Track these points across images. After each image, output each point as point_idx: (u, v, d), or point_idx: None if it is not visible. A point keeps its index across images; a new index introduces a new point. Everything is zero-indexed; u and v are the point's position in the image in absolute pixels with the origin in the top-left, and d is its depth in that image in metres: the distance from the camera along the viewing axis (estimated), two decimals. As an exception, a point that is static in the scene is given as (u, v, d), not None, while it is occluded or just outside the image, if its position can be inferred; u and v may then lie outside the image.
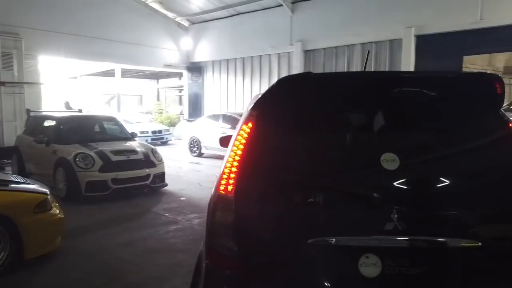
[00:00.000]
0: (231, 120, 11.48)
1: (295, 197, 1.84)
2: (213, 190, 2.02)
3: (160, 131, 15.59)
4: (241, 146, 1.92)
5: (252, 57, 13.77)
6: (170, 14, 15.16)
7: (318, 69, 11.98)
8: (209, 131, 11.94)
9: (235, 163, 1.89)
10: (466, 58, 10.19)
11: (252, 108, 2.03)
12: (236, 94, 14.55)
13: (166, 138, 15.69)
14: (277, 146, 1.92)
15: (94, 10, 12.82)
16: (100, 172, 6.41)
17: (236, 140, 1.96)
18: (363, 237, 1.73)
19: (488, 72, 2.04)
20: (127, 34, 13.83)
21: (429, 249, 1.73)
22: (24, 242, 3.67)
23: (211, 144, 11.78)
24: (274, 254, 1.80)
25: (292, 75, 2.01)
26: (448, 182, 1.79)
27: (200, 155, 12.19)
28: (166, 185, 7.40)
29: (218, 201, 1.91)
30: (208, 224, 2.00)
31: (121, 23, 13.67)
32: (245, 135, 1.94)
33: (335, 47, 11.51)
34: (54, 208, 4.06)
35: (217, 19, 14.52)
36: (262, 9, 13.04)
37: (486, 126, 1.95)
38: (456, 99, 1.92)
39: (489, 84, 1.90)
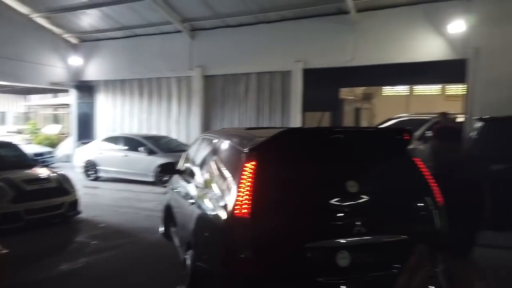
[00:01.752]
0: (133, 143, 11.46)
1: (293, 214, 2.55)
2: (224, 214, 2.61)
3: (41, 154, 14.35)
4: (249, 179, 2.56)
5: (150, 78, 13.89)
6: (57, 30, 14.31)
7: (218, 94, 12.82)
8: (108, 154, 11.69)
9: (247, 192, 2.53)
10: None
11: (252, 150, 2.69)
12: (133, 116, 14.39)
13: (49, 161, 14.53)
14: (276, 178, 2.62)
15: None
16: (12, 203, 6.05)
17: (243, 174, 2.59)
18: (339, 239, 2.54)
19: (401, 128, 3.08)
20: (8, 49, 12.65)
21: (379, 244, 2.63)
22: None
23: (110, 167, 11.56)
24: (280, 256, 2.49)
25: (289, 129, 2.75)
26: (384, 199, 2.73)
27: (96, 178, 11.80)
28: (80, 212, 7.22)
29: (235, 221, 2.51)
30: (224, 240, 2.58)
31: (2, 37, 12.47)
32: (251, 171, 2.59)
33: (233, 74, 12.51)
34: (-3, 244, 3.94)
35: (111, 38, 14.25)
36: (161, 33, 13.37)
37: (400, 160, 2.97)
38: (383, 144, 2.92)
39: (401, 134, 2.93)
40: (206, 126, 12.90)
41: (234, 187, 2.65)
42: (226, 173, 3.07)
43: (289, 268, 2.50)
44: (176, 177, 5.36)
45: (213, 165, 3.49)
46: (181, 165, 5.36)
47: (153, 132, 13.67)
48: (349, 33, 10.58)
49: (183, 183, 4.51)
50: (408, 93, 28.74)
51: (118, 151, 11.53)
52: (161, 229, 6.02)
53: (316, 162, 2.74)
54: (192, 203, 3.58)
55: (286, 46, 11.43)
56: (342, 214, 2.58)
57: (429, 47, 9.79)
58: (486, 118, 6.07)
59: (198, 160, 4.21)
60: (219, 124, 12.69)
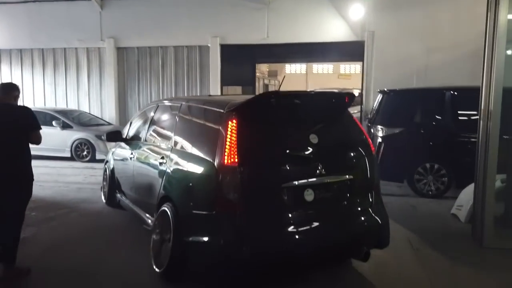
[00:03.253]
0: (42, 117, 10.73)
1: (272, 161, 3.18)
2: (215, 164, 3.11)
3: None
4: (233, 134, 3.10)
5: (54, 49, 12.89)
6: None
7: (132, 67, 12.57)
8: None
9: (233, 145, 3.07)
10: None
11: (233, 110, 3.22)
12: (35, 88, 13.26)
13: None
14: (254, 133, 3.22)
15: None
16: None
17: (227, 131, 3.11)
18: (306, 180, 3.24)
19: (345, 91, 3.87)
20: None
21: (333, 182, 3.40)
22: None
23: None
24: (263, 195, 3.11)
25: (267, 92, 3.32)
26: (336, 148, 3.51)
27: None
28: None
29: (225, 169, 3.04)
30: (216, 185, 3.09)
31: None
32: (234, 128, 3.13)
33: (149, 47, 12.36)
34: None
35: (5, 3, 12.77)
36: (66, 0, 12.46)
37: (344, 118, 3.77)
38: (333, 105, 3.69)
39: (343, 97, 3.72)
40: (122, 99, 12.65)
41: (219, 142, 3.15)
42: (205, 132, 3.55)
43: (270, 205, 3.13)
44: (122, 146, 5.55)
45: (186, 127, 3.90)
46: (126, 133, 5.55)
47: (61, 105, 12.88)
48: (264, 12, 11.30)
49: (141, 148, 4.77)
50: (306, 72, 31.28)
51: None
52: (103, 197, 6.15)
53: (284, 120, 3.39)
54: (162, 163, 3.95)
55: (203, 21, 11.71)
56: (307, 160, 3.28)
57: (334, 29, 11.03)
58: (385, 90, 7.34)
59: (162, 124, 4.53)
60: (136, 97, 12.55)
